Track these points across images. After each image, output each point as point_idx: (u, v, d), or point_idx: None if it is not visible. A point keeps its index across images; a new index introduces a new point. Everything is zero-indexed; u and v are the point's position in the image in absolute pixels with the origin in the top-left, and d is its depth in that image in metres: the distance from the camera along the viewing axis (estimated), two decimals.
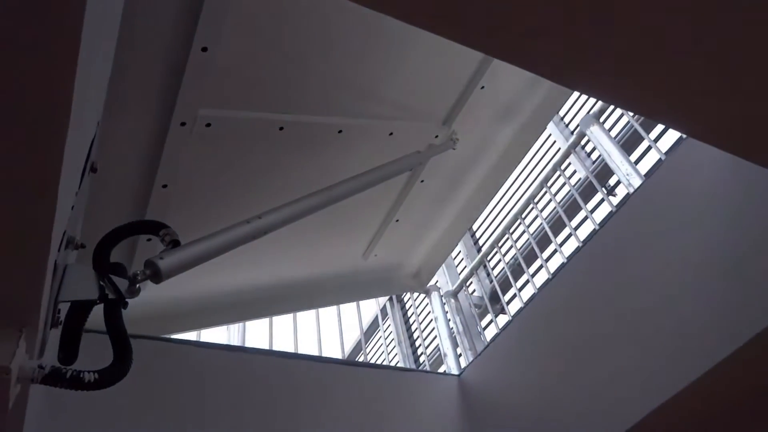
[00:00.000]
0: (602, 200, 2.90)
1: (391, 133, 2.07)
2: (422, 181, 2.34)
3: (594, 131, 2.91)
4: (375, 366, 3.47)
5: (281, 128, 1.78)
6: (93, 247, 1.22)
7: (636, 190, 2.42)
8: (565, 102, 3.07)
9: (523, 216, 3.34)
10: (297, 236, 1.68)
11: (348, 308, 3.44)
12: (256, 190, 1.95)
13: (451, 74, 2.02)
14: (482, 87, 2.05)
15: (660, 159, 2.49)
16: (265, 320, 2.89)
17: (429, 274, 2.80)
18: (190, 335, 2.72)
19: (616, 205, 2.63)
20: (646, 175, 2.59)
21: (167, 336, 2.47)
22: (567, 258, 2.77)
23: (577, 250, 2.67)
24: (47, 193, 0.73)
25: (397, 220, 2.46)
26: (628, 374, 2.12)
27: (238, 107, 1.68)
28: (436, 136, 2.18)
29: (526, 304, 2.88)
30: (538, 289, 2.91)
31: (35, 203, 0.74)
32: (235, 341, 2.99)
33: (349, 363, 2.96)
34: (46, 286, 0.88)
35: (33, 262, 0.81)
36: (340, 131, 1.93)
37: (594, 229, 2.67)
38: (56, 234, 0.82)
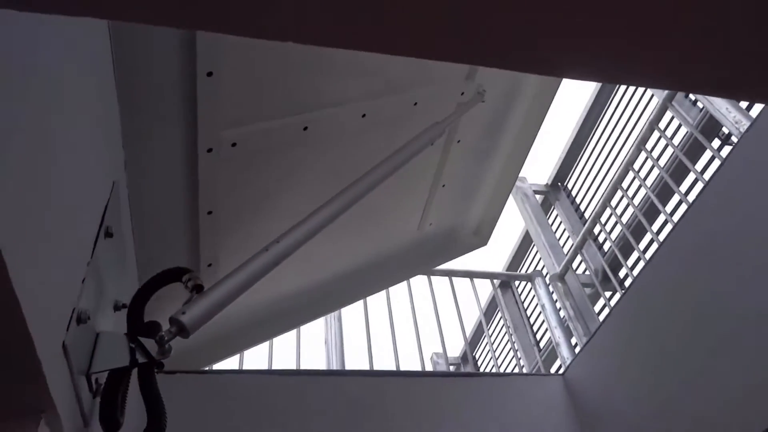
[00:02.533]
0: (713, 158, 2.51)
1: (415, 103, 1.99)
2: (459, 141, 2.25)
3: None
4: (455, 375, 3.32)
5: (305, 128, 1.74)
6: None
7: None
8: None
9: (624, 186, 3.00)
10: (345, 228, 1.63)
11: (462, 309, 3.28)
12: (297, 193, 1.94)
13: None
14: None
15: None
16: (363, 340, 2.86)
17: (489, 227, 2.71)
18: (290, 365, 2.75)
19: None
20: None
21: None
22: (690, 204, 2.28)
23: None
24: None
25: (444, 185, 2.39)
26: None
27: (258, 120, 1.67)
28: (462, 93, 2.08)
29: (630, 286, 2.52)
30: (647, 262, 2.57)
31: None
32: (335, 365, 3.01)
33: (431, 375, 2.84)
34: (50, 374, 0.86)
35: (21, 367, 0.80)
36: (363, 115, 1.86)
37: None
38: (43, 337, 0.80)
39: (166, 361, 1.15)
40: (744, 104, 2.45)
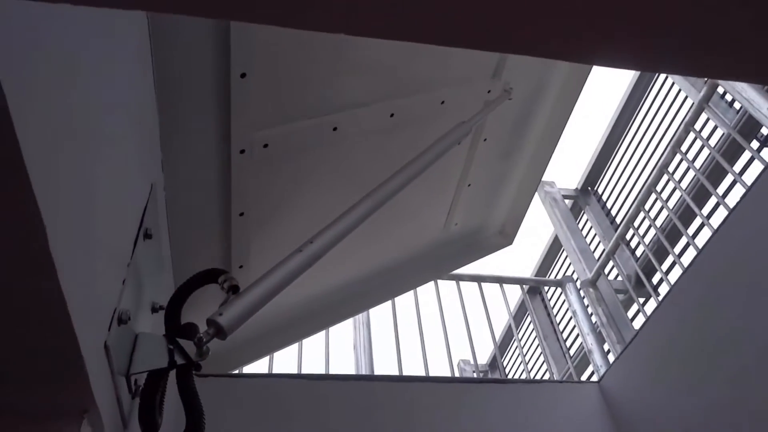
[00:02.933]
0: (752, 159, 2.44)
1: (442, 102, 1.98)
2: (485, 140, 2.24)
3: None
4: (486, 381, 3.27)
5: (335, 128, 1.75)
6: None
7: None
8: None
9: (658, 188, 2.93)
10: (371, 228, 1.62)
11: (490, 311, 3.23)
12: (326, 193, 1.94)
13: None
14: None
15: None
16: (392, 346, 2.83)
17: (515, 227, 2.71)
18: (319, 369, 2.74)
19: None
20: None
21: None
22: (731, 210, 2.21)
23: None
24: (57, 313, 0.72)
25: (470, 185, 2.38)
26: None
27: (289, 121, 1.68)
28: (489, 91, 2.07)
29: (670, 291, 2.46)
30: (685, 270, 2.51)
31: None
32: (364, 370, 2.99)
33: (458, 380, 2.79)
34: (93, 374, 0.86)
35: (65, 366, 0.81)
36: (392, 115, 1.87)
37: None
38: (86, 336, 0.81)
39: None
40: None
